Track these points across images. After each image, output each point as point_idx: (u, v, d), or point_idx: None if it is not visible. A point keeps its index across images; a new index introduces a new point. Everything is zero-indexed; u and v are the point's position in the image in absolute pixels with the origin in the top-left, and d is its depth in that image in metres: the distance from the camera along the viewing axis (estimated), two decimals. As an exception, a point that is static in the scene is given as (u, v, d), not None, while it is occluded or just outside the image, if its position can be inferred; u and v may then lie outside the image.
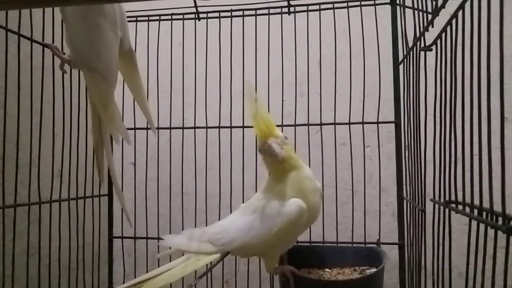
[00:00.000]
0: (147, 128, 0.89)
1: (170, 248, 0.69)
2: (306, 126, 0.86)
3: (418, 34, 0.62)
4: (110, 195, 0.94)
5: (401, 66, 0.79)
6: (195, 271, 0.68)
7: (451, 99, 0.47)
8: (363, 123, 0.84)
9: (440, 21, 0.51)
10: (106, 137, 0.70)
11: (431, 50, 0.55)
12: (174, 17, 0.91)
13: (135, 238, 0.94)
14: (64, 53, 0.69)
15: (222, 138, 0.89)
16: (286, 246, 0.70)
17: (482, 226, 0.39)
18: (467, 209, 0.44)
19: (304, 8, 0.85)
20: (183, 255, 0.67)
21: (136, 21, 0.92)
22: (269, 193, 0.67)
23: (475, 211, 0.41)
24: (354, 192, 0.91)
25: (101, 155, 0.70)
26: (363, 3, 0.84)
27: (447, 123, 0.49)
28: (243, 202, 0.74)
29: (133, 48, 0.73)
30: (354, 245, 0.83)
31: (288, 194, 0.64)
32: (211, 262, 0.65)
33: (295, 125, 0.85)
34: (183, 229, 0.77)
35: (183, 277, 0.64)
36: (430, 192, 0.55)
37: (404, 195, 0.79)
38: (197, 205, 0.92)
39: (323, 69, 0.87)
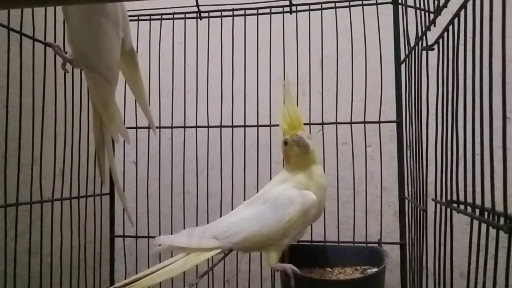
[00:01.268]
0: (148, 127, 0.88)
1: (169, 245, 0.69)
2: (308, 126, 0.86)
3: (420, 34, 0.62)
4: (111, 194, 0.94)
5: (403, 66, 0.79)
6: (196, 271, 0.68)
7: (453, 98, 0.47)
8: (364, 122, 0.84)
9: (442, 20, 0.51)
10: (107, 136, 0.70)
11: (433, 49, 0.55)
12: (176, 16, 0.91)
13: (136, 237, 0.94)
14: (66, 52, 0.69)
15: (223, 137, 0.89)
16: (293, 238, 0.69)
17: (483, 226, 0.39)
18: (469, 209, 0.43)
19: (306, 7, 0.85)
20: None
21: (138, 20, 0.92)
22: (284, 183, 0.69)
23: (477, 211, 0.41)
24: (356, 191, 0.90)
25: (103, 154, 0.71)
26: (365, 2, 0.83)
27: (448, 122, 0.48)
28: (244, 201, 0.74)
29: (135, 47, 0.73)
30: (356, 244, 0.83)
31: (304, 186, 0.68)
32: (212, 258, 0.65)
33: (296, 125, 0.85)
34: (184, 228, 0.77)
35: (184, 277, 0.64)
36: (432, 192, 0.55)
37: (406, 194, 0.79)
38: (199, 204, 0.92)
39: (325, 68, 0.87)
